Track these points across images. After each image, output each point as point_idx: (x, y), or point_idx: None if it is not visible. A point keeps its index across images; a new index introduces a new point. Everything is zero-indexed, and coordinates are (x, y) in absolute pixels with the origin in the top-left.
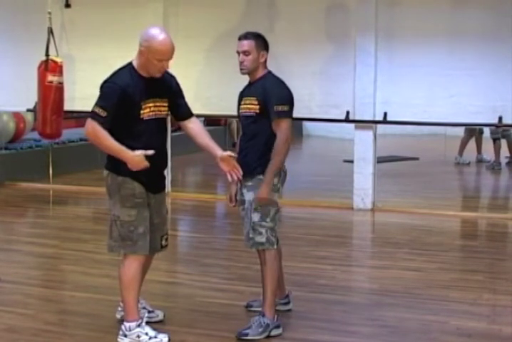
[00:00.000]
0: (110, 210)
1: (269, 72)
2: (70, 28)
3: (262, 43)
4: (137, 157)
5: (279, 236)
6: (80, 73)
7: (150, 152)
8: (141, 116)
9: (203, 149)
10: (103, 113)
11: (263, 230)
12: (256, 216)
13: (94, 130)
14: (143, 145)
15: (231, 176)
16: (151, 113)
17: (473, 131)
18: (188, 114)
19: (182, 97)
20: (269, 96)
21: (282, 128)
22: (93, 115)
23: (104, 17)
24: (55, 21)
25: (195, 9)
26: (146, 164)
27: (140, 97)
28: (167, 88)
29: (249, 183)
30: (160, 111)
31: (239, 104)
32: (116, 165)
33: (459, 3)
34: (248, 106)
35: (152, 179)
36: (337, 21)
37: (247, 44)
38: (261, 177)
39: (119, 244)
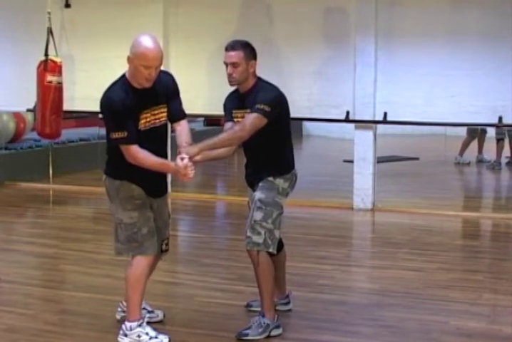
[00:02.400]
0: (113, 214)
1: (259, 78)
2: (70, 28)
3: (250, 52)
4: (180, 169)
5: (282, 236)
6: (79, 72)
7: (184, 157)
8: (139, 127)
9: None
10: (123, 134)
11: (262, 231)
12: (258, 215)
13: (131, 155)
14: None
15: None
16: (147, 124)
17: (475, 133)
18: (180, 116)
19: (178, 97)
20: (258, 99)
21: (247, 120)
22: (116, 142)
23: (104, 17)
24: (55, 21)
25: (194, 9)
26: (190, 174)
27: (136, 109)
28: (164, 92)
29: (260, 184)
30: (159, 119)
31: (230, 115)
32: (113, 169)
33: (459, 3)
34: (244, 115)
35: (151, 183)
36: (337, 21)
37: (235, 55)
38: (271, 178)
39: (126, 247)
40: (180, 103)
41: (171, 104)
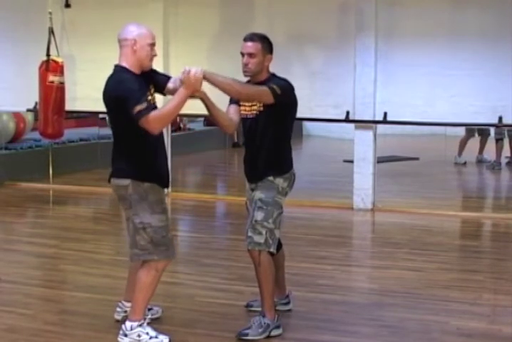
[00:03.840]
0: (134, 219)
1: (273, 74)
2: (70, 28)
3: (267, 45)
4: (186, 78)
5: (282, 236)
6: (80, 73)
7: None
8: None
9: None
10: (143, 105)
11: (263, 231)
12: (259, 215)
13: (155, 120)
14: (153, 142)
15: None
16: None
17: (472, 131)
18: (167, 78)
19: (158, 72)
20: (270, 83)
21: (256, 86)
22: (139, 115)
23: (104, 17)
24: (55, 21)
25: (194, 9)
26: (199, 73)
27: (144, 93)
28: (149, 73)
29: (259, 183)
30: (153, 98)
31: (236, 103)
32: (140, 172)
33: (459, 3)
34: (252, 108)
35: (166, 180)
36: (337, 20)
37: (253, 46)
38: (271, 178)
39: (150, 252)
40: (159, 72)
41: (155, 78)
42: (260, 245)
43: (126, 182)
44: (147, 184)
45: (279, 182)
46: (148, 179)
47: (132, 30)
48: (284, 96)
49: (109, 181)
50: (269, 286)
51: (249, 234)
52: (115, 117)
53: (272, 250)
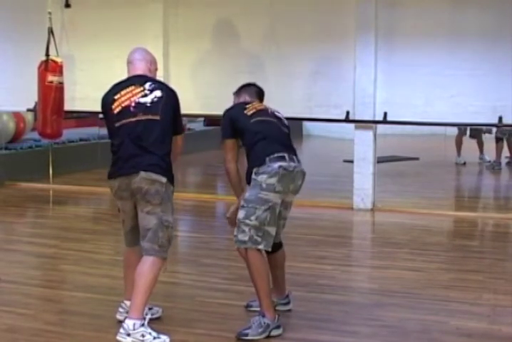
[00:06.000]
0: (161, 216)
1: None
2: (70, 28)
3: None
4: None
5: (282, 236)
6: (80, 73)
7: None
8: None
9: None
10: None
11: (246, 228)
12: (241, 214)
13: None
14: None
15: None
16: None
17: (463, 128)
18: None
19: None
20: None
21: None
22: (183, 129)
23: (104, 17)
24: (55, 21)
25: (194, 10)
26: None
27: None
28: None
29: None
30: None
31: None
32: (171, 175)
33: (459, 3)
34: None
35: None
36: (337, 20)
37: None
38: (254, 176)
39: (165, 249)
40: None
41: None
42: (245, 243)
43: (164, 179)
44: (172, 187)
45: (262, 178)
46: (173, 183)
47: (149, 54)
48: (222, 125)
49: (120, 174)
50: (264, 285)
51: (235, 233)
52: (170, 115)
53: (260, 247)
